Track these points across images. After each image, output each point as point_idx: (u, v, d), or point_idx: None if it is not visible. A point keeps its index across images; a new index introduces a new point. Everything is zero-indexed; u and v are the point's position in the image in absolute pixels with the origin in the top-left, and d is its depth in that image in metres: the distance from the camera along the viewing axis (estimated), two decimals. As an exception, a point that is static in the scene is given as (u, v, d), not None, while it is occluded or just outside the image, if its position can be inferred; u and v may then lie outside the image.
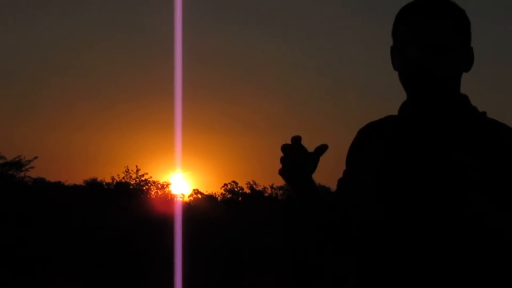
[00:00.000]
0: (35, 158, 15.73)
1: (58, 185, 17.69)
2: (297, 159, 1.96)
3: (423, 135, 1.91)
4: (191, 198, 21.01)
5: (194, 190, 21.22)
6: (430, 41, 1.86)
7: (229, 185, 22.89)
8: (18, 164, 15.53)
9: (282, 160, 1.98)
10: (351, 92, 24.38)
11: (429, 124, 1.91)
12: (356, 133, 2.09)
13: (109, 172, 22.07)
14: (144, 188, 18.48)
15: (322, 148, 1.98)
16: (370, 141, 2.01)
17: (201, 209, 17.57)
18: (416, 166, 1.88)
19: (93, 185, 18.37)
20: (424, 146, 1.90)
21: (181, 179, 18.75)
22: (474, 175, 1.79)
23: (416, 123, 1.93)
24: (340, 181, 2.11)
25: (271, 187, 22.16)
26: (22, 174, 15.77)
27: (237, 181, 22.85)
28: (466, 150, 1.84)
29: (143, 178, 18.38)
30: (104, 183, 18.60)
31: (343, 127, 22.81)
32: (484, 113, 1.95)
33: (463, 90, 1.98)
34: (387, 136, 1.97)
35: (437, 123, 1.91)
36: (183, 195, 19.48)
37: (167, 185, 19.03)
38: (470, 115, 1.93)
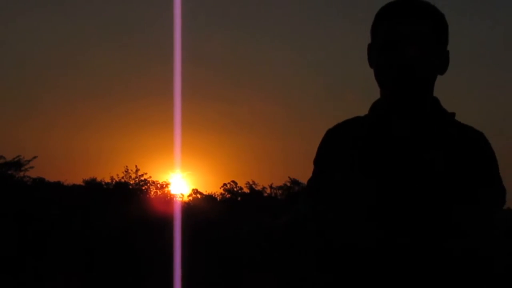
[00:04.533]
0: (35, 158, 15.76)
1: (58, 185, 17.70)
2: None
3: (399, 134, 1.96)
4: (191, 198, 21.05)
5: (193, 190, 21.26)
6: (415, 44, 1.90)
7: (228, 185, 22.91)
8: (17, 164, 15.54)
9: None
10: (351, 92, 24.40)
11: (405, 124, 1.96)
12: (325, 133, 2.08)
13: (109, 172, 22.13)
14: (144, 188, 18.51)
15: None
16: (344, 141, 2.02)
17: (200, 209, 17.59)
18: (394, 165, 1.92)
19: (93, 185, 18.39)
20: (400, 145, 1.95)
21: (181, 179, 18.78)
22: (439, 168, 1.87)
23: (392, 123, 1.97)
24: (313, 182, 2.07)
25: (270, 187, 22.21)
26: (21, 174, 15.79)
27: (236, 181, 22.88)
28: (436, 148, 1.92)
29: (142, 178, 18.42)
30: (104, 183, 18.63)
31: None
32: (453, 114, 2.02)
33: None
34: (363, 136, 1.99)
35: (412, 123, 1.96)
36: (183, 195, 19.53)
37: (167, 185, 19.07)
38: (441, 116, 2.00)
